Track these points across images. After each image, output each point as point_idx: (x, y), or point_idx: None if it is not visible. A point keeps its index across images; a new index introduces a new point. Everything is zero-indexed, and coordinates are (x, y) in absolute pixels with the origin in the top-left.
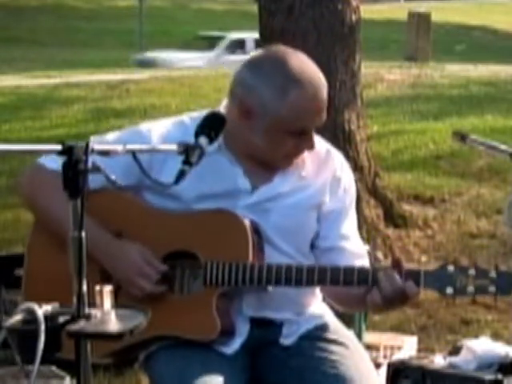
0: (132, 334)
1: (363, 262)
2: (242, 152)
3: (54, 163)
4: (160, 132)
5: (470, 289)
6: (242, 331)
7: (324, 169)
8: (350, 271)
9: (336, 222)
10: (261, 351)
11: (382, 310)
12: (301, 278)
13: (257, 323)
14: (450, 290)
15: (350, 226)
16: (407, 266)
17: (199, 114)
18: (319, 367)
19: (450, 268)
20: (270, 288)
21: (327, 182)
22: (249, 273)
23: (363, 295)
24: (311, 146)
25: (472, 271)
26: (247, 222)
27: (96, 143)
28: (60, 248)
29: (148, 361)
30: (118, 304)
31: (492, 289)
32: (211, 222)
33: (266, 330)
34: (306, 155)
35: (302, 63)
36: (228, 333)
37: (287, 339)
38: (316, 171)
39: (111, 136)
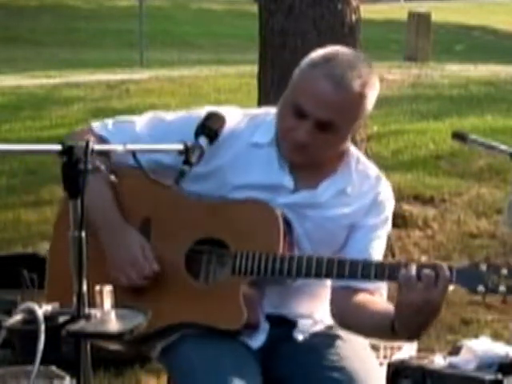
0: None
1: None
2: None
3: (104, 130)
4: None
5: (502, 288)
6: (264, 327)
7: (370, 192)
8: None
9: (364, 239)
10: (275, 350)
11: (408, 319)
12: (331, 270)
13: (273, 321)
14: (481, 289)
15: (375, 245)
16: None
17: (264, 113)
18: (326, 363)
19: (483, 266)
20: (296, 281)
21: (368, 202)
22: (278, 263)
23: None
24: (299, 138)
25: (504, 271)
26: (280, 214)
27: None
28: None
29: (167, 352)
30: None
31: None
32: (243, 211)
33: (281, 328)
34: (356, 175)
35: (353, 60)
36: (252, 326)
37: (301, 334)
38: (361, 192)
39: (171, 116)
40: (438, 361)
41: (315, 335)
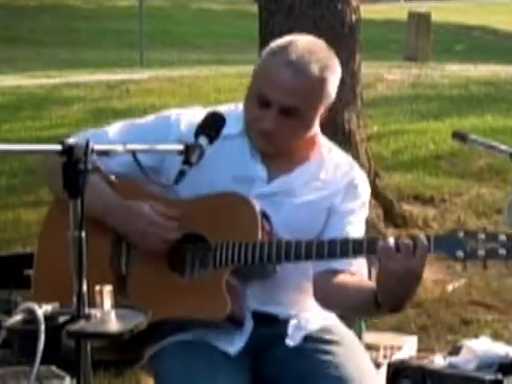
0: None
1: (361, 270)
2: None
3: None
4: (189, 120)
5: (481, 253)
6: (247, 327)
7: (344, 177)
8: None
9: (341, 222)
10: (264, 351)
11: (390, 290)
12: (311, 252)
13: (260, 320)
14: (460, 254)
15: (352, 229)
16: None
17: (234, 107)
18: (320, 369)
19: (460, 233)
20: (278, 268)
21: (343, 187)
22: (258, 249)
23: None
24: (265, 126)
25: (482, 235)
26: (256, 204)
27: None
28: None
29: (152, 360)
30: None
31: (502, 252)
32: (220, 204)
33: (270, 328)
34: (328, 161)
35: (312, 46)
36: (237, 322)
37: (292, 340)
38: (334, 178)
39: (141, 120)
40: (438, 361)
41: (307, 339)
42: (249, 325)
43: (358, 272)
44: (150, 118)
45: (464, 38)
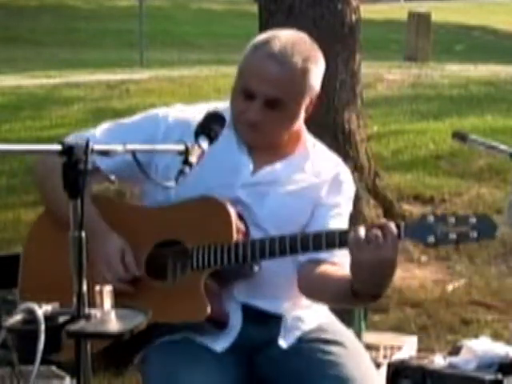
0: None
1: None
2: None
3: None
4: (177, 116)
5: (452, 236)
6: (236, 321)
7: (330, 171)
8: (318, 236)
9: (324, 215)
10: (259, 351)
11: (364, 280)
12: (284, 247)
13: (251, 316)
14: (431, 239)
15: (336, 222)
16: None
17: (222, 104)
18: (319, 369)
19: (430, 218)
20: (255, 268)
21: (328, 179)
22: (233, 250)
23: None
24: (251, 117)
25: (452, 219)
26: (230, 208)
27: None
28: (61, 243)
29: (141, 364)
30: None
31: (474, 234)
32: (196, 209)
33: (262, 326)
34: (314, 155)
35: (294, 38)
36: (220, 323)
37: (285, 340)
38: (320, 169)
39: (127, 120)
40: (438, 361)
41: (302, 339)
42: (238, 319)
43: (339, 262)
44: (136, 117)
45: (464, 38)
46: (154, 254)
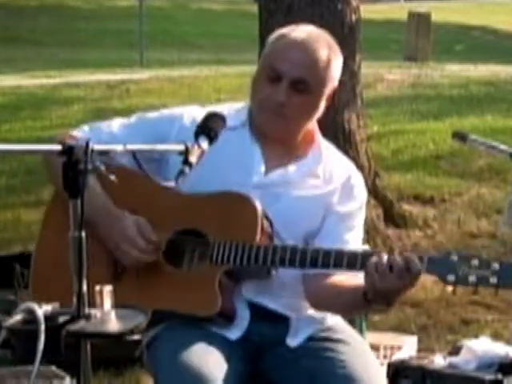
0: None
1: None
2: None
3: (81, 132)
4: (193, 116)
5: (472, 278)
6: (243, 317)
7: (341, 176)
8: (340, 255)
9: (338, 225)
10: (267, 350)
11: (378, 299)
12: (305, 260)
13: (259, 314)
14: (451, 278)
15: (352, 235)
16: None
17: (235, 104)
18: (329, 368)
19: (454, 257)
20: (273, 272)
21: (339, 185)
22: (255, 252)
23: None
24: (279, 98)
25: (475, 261)
26: (259, 206)
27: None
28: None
29: (149, 348)
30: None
31: (493, 280)
32: (223, 203)
33: (271, 325)
34: (327, 159)
35: (318, 31)
36: (228, 317)
37: (294, 340)
38: (332, 174)
39: (147, 114)
40: (438, 361)
41: (311, 339)
42: (245, 315)
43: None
44: (155, 114)
45: (464, 38)
46: (173, 240)
